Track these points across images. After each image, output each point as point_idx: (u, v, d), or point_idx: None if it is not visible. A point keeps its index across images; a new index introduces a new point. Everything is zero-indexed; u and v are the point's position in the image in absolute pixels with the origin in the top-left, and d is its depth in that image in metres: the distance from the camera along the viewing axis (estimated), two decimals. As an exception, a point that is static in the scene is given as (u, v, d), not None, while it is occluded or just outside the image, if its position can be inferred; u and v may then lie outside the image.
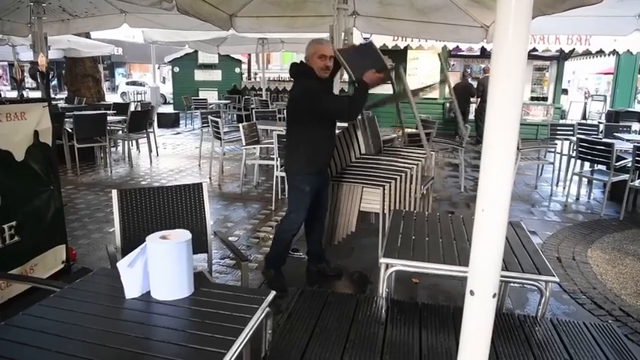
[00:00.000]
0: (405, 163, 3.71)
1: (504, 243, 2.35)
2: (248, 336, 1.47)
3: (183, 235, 1.66)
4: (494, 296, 1.25)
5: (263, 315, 1.61)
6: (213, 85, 18.95)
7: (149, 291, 1.67)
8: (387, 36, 10.08)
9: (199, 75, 19.29)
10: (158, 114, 14.20)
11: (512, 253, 2.20)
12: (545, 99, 12.05)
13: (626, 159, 5.68)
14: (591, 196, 6.44)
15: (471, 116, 11.07)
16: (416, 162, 3.60)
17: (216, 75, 19.13)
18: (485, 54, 11.37)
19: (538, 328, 1.93)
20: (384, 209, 3.60)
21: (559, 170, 7.01)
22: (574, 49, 10.41)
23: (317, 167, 3.33)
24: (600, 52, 10.58)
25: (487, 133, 1.14)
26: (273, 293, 1.70)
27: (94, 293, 1.73)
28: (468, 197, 6.21)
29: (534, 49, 10.51)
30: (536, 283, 1.98)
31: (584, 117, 16.33)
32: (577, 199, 6.32)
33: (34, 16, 5.73)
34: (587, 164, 6.54)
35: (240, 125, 5.75)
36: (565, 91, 18.93)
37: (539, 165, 7.31)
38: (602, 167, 5.96)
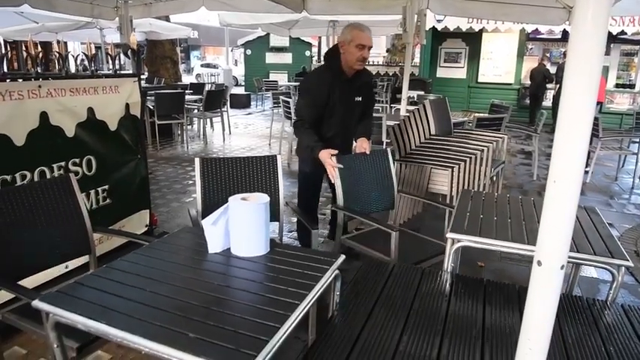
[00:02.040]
0: (475, 145, 3.67)
1: (577, 225, 2.32)
2: (319, 292, 1.59)
3: (262, 198, 1.80)
4: (562, 267, 1.26)
5: (332, 276, 1.72)
6: (283, 68, 19.30)
7: (229, 248, 1.83)
8: (462, 18, 9.79)
9: (270, 58, 19.72)
10: (230, 95, 14.73)
11: (585, 237, 2.16)
12: (632, 86, 11.22)
13: None
14: (679, 191, 6.01)
15: (548, 103, 10.56)
16: (486, 144, 3.55)
17: (287, 58, 19.46)
18: (567, 37, 10.72)
19: (607, 312, 1.90)
20: (451, 191, 3.59)
21: (644, 162, 6.57)
22: (669, 32, 9.59)
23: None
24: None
25: (563, 101, 1.15)
26: (342, 257, 1.80)
27: (181, 247, 1.92)
28: (540, 185, 6.00)
29: (622, 32, 9.78)
30: (608, 267, 1.94)
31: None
32: (662, 193, 5.92)
33: (120, 0, 6.14)
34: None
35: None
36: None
37: (621, 155, 6.89)
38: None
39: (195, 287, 1.56)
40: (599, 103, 10.34)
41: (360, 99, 3.14)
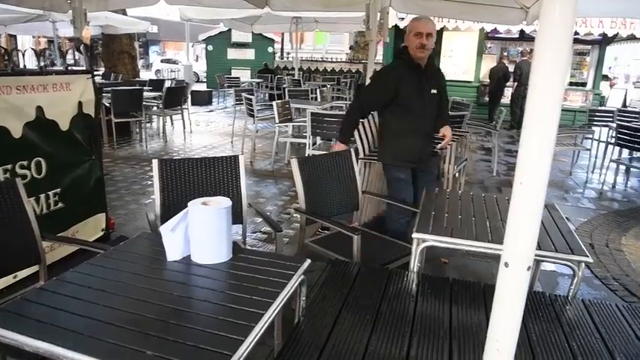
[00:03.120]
0: (438, 142, 3.68)
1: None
2: (284, 300, 1.53)
3: (224, 202, 1.73)
4: (528, 269, 1.26)
5: (298, 282, 1.67)
6: (245, 64, 19.04)
7: (189, 255, 1.75)
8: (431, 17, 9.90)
9: (232, 54, 19.40)
10: (192, 92, 14.41)
11: (546, 233, 2.19)
12: (584, 84, 11.67)
13: (668, 147, 5.51)
14: (628, 184, 6.27)
15: (507, 100, 10.83)
16: (450, 142, 3.57)
17: (249, 54, 19.21)
18: (524, 36, 11.05)
19: (569, 308, 1.93)
20: (415, 189, 3.60)
21: (596, 157, 6.82)
22: (617, 33, 10.00)
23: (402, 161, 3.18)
24: (646, 37, 10.15)
25: (529, 104, 1.14)
26: (308, 261, 1.76)
27: (137, 255, 1.82)
28: (500, 181, 6.14)
29: (576, 33, 10.14)
30: (569, 263, 1.97)
31: (624, 104, 15.74)
32: (613, 186, 6.15)
33: (74, -8, 5.87)
34: (625, 151, 6.33)
35: (274, 103, 5.81)
36: (606, 77, 18.26)
37: (576, 151, 7.14)
38: (642, 155, 5.79)
39: (152, 299, 1.48)
40: (554, 101, 10.67)
41: (436, 91, 3.15)
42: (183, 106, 8.48)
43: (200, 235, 1.71)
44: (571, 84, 11.74)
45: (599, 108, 9.73)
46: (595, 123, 7.39)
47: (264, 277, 1.63)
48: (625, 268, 3.70)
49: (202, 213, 1.68)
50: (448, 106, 3.23)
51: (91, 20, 10.57)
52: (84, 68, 3.54)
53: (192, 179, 2.61)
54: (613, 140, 5.95)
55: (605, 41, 11.22)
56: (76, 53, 3.92)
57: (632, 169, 6.19)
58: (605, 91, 15.57)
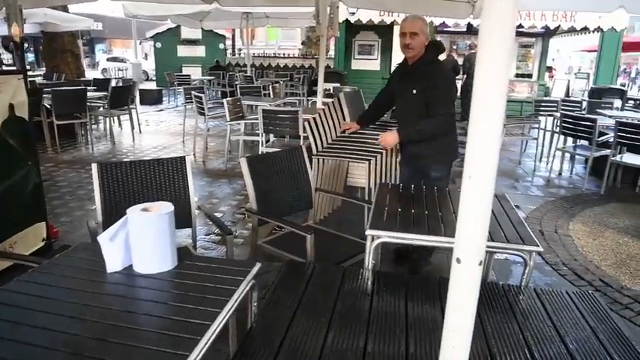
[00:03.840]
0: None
1: (491, 214, 2.34)
2: (233, 307, 1.46)
3: (165, 207, 1.63)
4: (480, 264, 1.24)
5: (248, 287, 1.60)
6: (196, 62, 18.59)
7: (131, 265, 1.65)
8: (374, 11, 9.95)
9: (182, 51, 18.89)
10: (140, 90, 13.93)
11: (497, 224, 2.21)
12: (530, 76, 12.09)
13: (607, 134, 5.74)
14: (573, 171, 6.52)
15: (457, 92, 11.05)
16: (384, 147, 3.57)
17: (200, 51, 18.76)
18: (472, 30, 11.31)
19: (522, 297, 1.95)
20: (369, 183, 3.59)
21: (542, 146, 7.06)
22: (559, 25, 10.40)
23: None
24: (585, 29, 10.59)
25: (475, 97, 1.11)
26: (258, 265, 1.68)
27: (75, 268, 1.69)
28: (453, 172, 6.23)
29: (520, 26, 10.46)
30: (521, 253, 1.99)
31: (567, 94, 16.42)
32: (560, 174, 6.39)
33: (7, -14, 5.51)
34: (569, 140, 6.58)
35: (225, 100, 5.67)
36: (550, 69, 18.99)
37: (524, 141, 7.37)
38: (585, 143, 6.02)
39: (90, 316, 1.37)
40: (502, 92, 10.99)
41: (415, 92, 3.05)
42: (131, 106, 8.15)
43: (141, 243, 1.60)
44: (517, 75, 12.13)
45: (545, 98, 10.07)
46: (541, 113, 7.63)
47: (211, 284, 1.54)
48: (573, 252, 3.82)
49: (142, 220, 1.58)
50: (436, 111, 3.01)
51: (29, 17, 10.04)
52: (15, 68, 3.31)
53: (136, 183, 2.48)
54: (558, 129, 6.15)
55: (547, 34, 11.65)
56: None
57: (576, 156, 6.43)
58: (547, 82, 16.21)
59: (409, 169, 3.36)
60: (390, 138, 3.15)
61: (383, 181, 3.61)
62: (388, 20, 10.51)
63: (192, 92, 6.61)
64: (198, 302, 1.44)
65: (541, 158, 6.96)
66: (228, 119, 5.72)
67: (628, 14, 7.74)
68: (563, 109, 7.53)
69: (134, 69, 22.81)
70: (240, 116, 5.93)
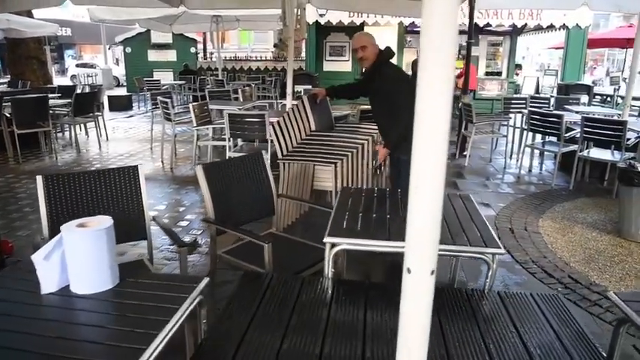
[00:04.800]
0: (356, 138, 3.63)
1: (453, 215, 2.29)
2: (174, 328, 1.36)
3: (103, 222, 1.52)
4: (432, 273, 1.18)
5: (194, 304, 1.50)
6: (167, 66, 18.31)
7: (68, 285, 1.53)
8: (343, 12, 9.93)
9: (153, 55, 18.59)
10: (110, 97, 13.64)
11: (460, 227, 2.16)
12: (499, 74, 12.23)
13: (575, 130, 5.80)
14: (543, 168, 6.57)
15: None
16: (367, 137, 3.52)
17: (171, 55, 18.48)
18: (441, 29, 11.32)
19: (485, 302, 1.90)
20: (336, 187, 3.51)
21: (512, 143, 7.11)
22: (526, 24, 10.55)
23: None
24: (551, 27, 10.76)
25: (419, 103, 1.04)
26: (205, 280, 1.59)
27: (7, 290, 1.57)
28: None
29: (488, 25, 10.58)
30: (483, 256, 1.94)
31: (537, 91, 16.70)
32: (530, 170, 6.44)
33: (-38, -8, 5.29)
34: (539, 136, 6.64)
35: (190, 105, 5.53)
36: (519, 66, 19.29)
37: (494, 138, 7.40)
38: (554, 139, 6.06)
39: (19, 344, 1.26)
40: (472, 91, 11.09)
41: (377, 92, 3.46)
42: (97, 113, 7.93)
43: (77, 261, 1.50)
44: (487, 74, 12.27)
45: (514, 95, 10.21)
46: (510, 110, 7.69)
47: (152, 303, 1.45)
48: (543, 249, 3.82)
49: (78, 236, 1.47)
50: (399, 108, 3.22)
51: (-12, 23, 9.73)
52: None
53: (85, 195, 2.35)
54: (526, 126, 6.19)
55: (515, 32, 11.80)
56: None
57: (545, 152, 6.47)
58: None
59: (394, 168, 3.60)
60: (383, 153, 3.41)
61: (351, 184, 3.54)
62: (358, 21, 10.53)
63: (159, 97, 6.45)
64: (137, 324, 1.34)
65: (511, 155, 7.00)
66: (195, 124, 5.58)
67: (591, 11, 7.87)
68: (532, 106, 7.62)
69: (104, 75, 22.38)
70: (207, 121, 5.81)
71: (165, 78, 16.35)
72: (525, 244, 3.90)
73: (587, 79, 17.36)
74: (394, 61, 3.61)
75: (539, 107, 7.60)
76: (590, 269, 3.48)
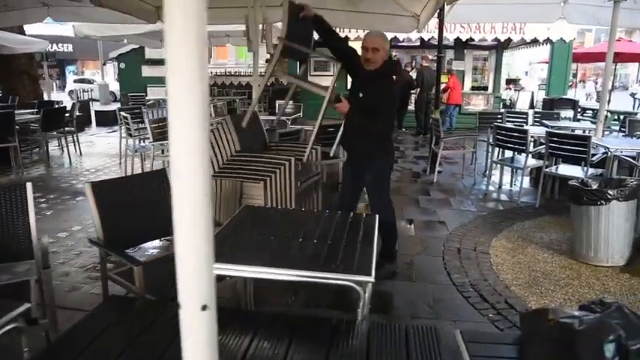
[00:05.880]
0: (282, 157, 3.48)
1: (323, 240, 2.12)
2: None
3: None
4: (204, 308, 1.05)
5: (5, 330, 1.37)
6: (162, 82, 18.30)
7: None
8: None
9: (147, 71, 18.65)
10: (96, 112, 13.67)
11: (341, 251, 2.00)
12: (485, 88, 12.08)
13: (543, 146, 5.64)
14: (515, 185, 6.39)
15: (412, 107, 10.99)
16: (289, 157, 3.38)
17: (164, 71, 18.51)
18: (424, 44, 11.27)
19: (349, 334, 1.74)
20: (266, 204, 3.39)
21: (487, 159, 6.94)
22: (510, 38, 10.42)
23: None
24: (535, 41, 10.63)
25: (170, 120, 0.92)
26: (25, 306, 1.46)
27: None
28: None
29: (471, 39, 10.47)
30: (351, 284, 1.78)
31: (531, 105, 16.55)
32: (499, 187, 6.26)
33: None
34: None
35: (147, 120, 5.45)
36: (514, 81, 19.18)
37: (470, 154, 7.22)
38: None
39: None
40: (458, 105, 10.96)
41: (362, 96, 3.36)
42: (68, 128, 7.89)
43: None
44: (473, 88, 12.13)
45: (489, 111, 10.05)
46: (487, 125, 7.51)
47: None
48: (486, 272, 3.64)
49: None
50: (380, 113, 3.31)
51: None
52: None
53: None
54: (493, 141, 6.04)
55: (500, 46, 11.68)
56: None
57: (516, 169, 6.29)
58: (506, 95, 16.35)
59: (351, 170, 3.63)
60: (344, 105, 3.31)
61: (280, 203, 3.40)
62: (341, 35, 10.46)
63: (121, 112, 6.38)
64: None
65: (485, 172, 6.82)
66: (152, 140, 5.50)
67: (569, 24, 7.75)
68: (508, 121, 7.47)
69: (101, 90, 22.53)
70: (165, 137, 5.70)
71: (160, 93, 16.37)
72: (469, 266, 3.72)
73: (579, 94, 17.21)
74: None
75: (516, 122, 7.47)
76: (531, 293, 3.30)
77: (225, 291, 2.74)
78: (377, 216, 2.44)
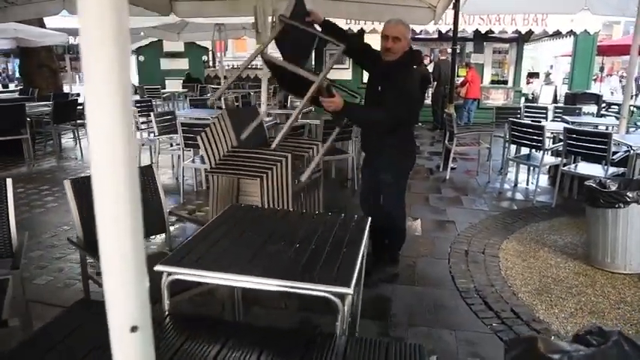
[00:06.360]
0: (280, 153, 3.32)
1: (315, 247, 1.98)
2: None
3: None
4: (133, 330, 0.93)
5: None
6: (179, 74, 18.39)
7: None
8: (340, 19, 9.68)
9: (165, 64, 18.78)
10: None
11: (323, 258, 1.86)
12: (505, 82, 11.71)
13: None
14: (531, 182, 6.13)
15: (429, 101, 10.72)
16: (286, 154, 3.22)
17: (183, 63, 18.62)
18: (442, 37, 10.96)
19: (326, 351, 1.60)
20: (262, 201, 3.26)
21: (503, 155, 6.68)
22: (531, 30, 10.04)
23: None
24: (558, 34, 10.22)
25: (88, 120, 0.79)
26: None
27: None
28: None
29: (491, 31, 10.13)
30: (328, 295, 1.63)
31: (554, 100, 16.04)
32: (515, 185, 6.02)
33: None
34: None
35: (152, 114, 5.39)
36: (536, 75, 18.64)
37: (485, 150, 6.95)
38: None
39: None
40: (476, 100, 10.64)
41: (380, 89, 3.12)
42: (80, 120, 7.90)
43: None
44: (493, 82, 11.78)
45: (508, 105, 9.72)
46: (501, 120, 7.24)
47: None
48: (493, 277, 3.45)
49: None
50: (387, 106, 3.05)
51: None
52: None
53: None
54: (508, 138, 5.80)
55: (521, 39, 11.29)
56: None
57: (532, 167, 6.04)
58: (528, 89, 15.88)
59: (368, 170, 3.50)
60: (333, 102, 2.90)
61: (277, 202, 3.27)
62: (355, 28, 10.27)
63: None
64: None
65: (501, 169, 6.58)
66: (157, 134, 5.43)
67: (592, 15, 7.41)
68: (526, 116, 7.19)
69: (121, 82, 22.69)
70: (172, 130, 5.63)
71: (177, 87, 16.42)
72: (475, 270, 3.54)
73: (604, 88, 16.62)
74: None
75: (535, 117, 7.18)
76: (540, 301, 3.11)
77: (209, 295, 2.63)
78: (369, 218, 2.28)
